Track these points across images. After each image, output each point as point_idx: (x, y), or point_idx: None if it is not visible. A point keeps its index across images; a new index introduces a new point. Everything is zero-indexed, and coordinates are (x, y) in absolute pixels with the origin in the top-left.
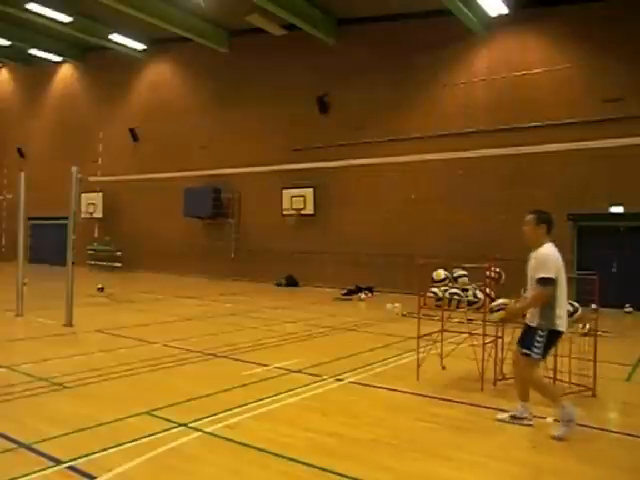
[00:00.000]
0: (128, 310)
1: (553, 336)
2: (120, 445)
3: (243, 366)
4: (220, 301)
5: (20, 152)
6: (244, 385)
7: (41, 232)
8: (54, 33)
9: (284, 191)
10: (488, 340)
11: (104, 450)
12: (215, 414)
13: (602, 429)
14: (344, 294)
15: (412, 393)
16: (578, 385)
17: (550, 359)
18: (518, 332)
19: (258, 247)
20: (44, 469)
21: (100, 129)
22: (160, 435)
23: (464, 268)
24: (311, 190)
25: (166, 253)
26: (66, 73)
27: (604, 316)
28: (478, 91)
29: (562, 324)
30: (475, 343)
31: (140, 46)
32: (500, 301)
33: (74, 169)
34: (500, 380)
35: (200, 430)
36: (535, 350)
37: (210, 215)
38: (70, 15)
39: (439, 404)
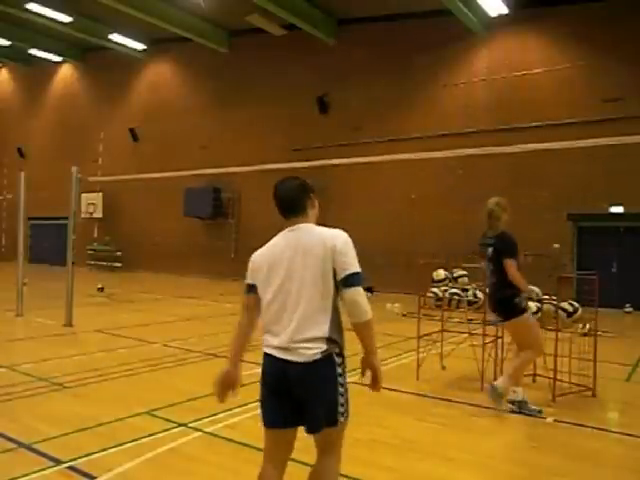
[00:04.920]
0: (128, 310)
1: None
2: (120, 445)
3: (243, 366)
4: (220, 301)
5: (20, 152)
6: (244, 385)
7: (41, 232)
8: (54, 33)
9: None
10: (488, 340)
11: (104, 450)
12: (215, 414)
13: (602, 429)
14: None
15: (412, 393)
16: (578, 385)
17: (550, 359)
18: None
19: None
20: (44, 469)
21: (100, 129)
22: (160, 435)
23: (464, 268)
24: None
25: (166, 253)
26: (66, 73)
27: (604, 316)
28: (478, 91)
29: (265, 343)
30: (475, 343)
31: (140, 46)
32: None
33: (74, 169)
34: None
35: (200, 430)
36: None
37: (210, 215)
38: (70, 15)
39: (439, 404)
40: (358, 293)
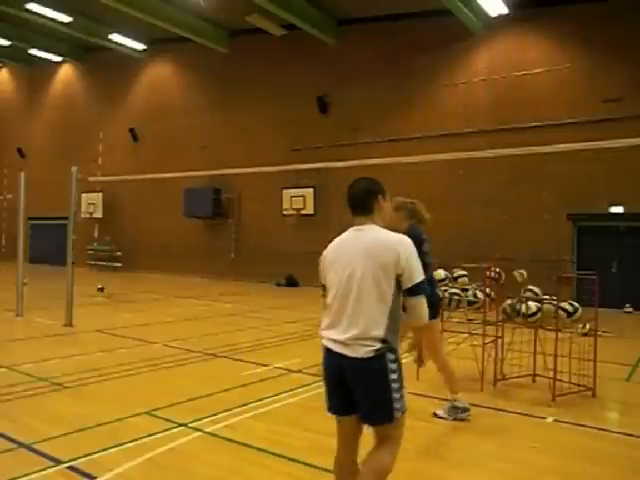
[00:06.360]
0: (128, 310)
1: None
2: (120, 445)
3: (243, 366)
4: (220, 301)
5: (20, 152)
6: (244, 385)
7: (41, 232)
8: (54, 33)
9: (284, 191)
10: (488, 340)
11: (104, 450)
12: (215, 414)
13: (602, 429)
14: None
15: (412, 393)
16: (578, 385)
17: (550, 359)
18: (519, 332)
19: (258, 247)
20: (44, 469)
21: (100, 129)
22: (160, 435)
23: (464, 268)
24: (311, 190)
25: (166, 253)
26: (66, 73)
27: (604, 316)
28: (478, 91)
29: (325, 336)
30: (475, 343)
31: (140, 46)
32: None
33: (74, 169)
34: (500, 380)
35: (200, 430)
36: None
37: (210, 215)
38: (70, 15)
39: (439, 404)
40: (420, 302)
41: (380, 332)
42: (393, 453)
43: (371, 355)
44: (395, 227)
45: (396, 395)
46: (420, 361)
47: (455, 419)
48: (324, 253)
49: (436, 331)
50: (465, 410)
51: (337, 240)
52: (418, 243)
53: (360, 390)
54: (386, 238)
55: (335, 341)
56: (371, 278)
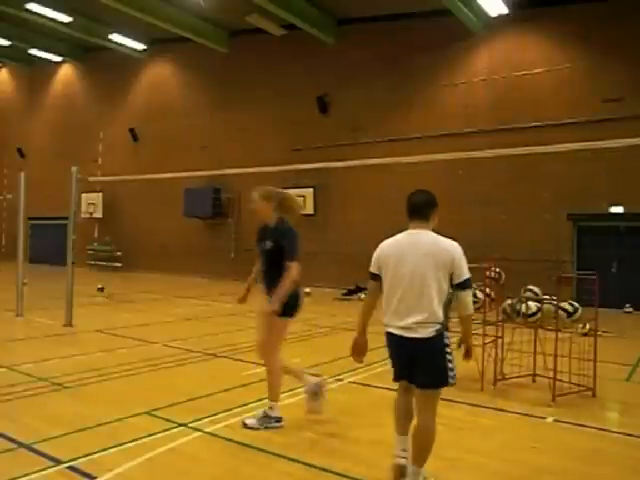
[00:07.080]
0: (128, 310)
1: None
2: (120, 445)
3: (243, 366)
4: (220, 301)
5: (20, 152)
6: (244, 385)
7: (41, 232)
8: (54, 33)
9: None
10: (488, 340)
11: (104, 450)
12: (215, 414)
13: (602, 429)
14: (344, 294)
15: None
16: (578, 385)
17: (550, 359)
18: (519, 332)
19: None
20: (44, 469)
21: (100, 129)
22: (160, 435)
23: None
24: (311, 190)
25: (166, 253)
26: (66, 73)
27: (604, 316)
28: (478, 91)
29: (390, 324)
30: (475, 343)
31: (140, 46)
32: None
33: (74, 169)
34: (500, 380)
35: (200, 430)
36: None
37: (210, 215)
38: (70, 15)
39: (439, 404)
40: (468, 294)
41: (438, 317)
42: (435, 415)
43: (434, 334)
44: (264, 218)
45: (450, 365)
46: (468, 355)
47: (266, 428)
48: (380, 248)
49: (282, 331)
50: (278, 420)
51: (392, 240)
52: (296, 238)
53: (425, 361)
54: (443, 243)
55: (402, 327)
56: (432, 275)
